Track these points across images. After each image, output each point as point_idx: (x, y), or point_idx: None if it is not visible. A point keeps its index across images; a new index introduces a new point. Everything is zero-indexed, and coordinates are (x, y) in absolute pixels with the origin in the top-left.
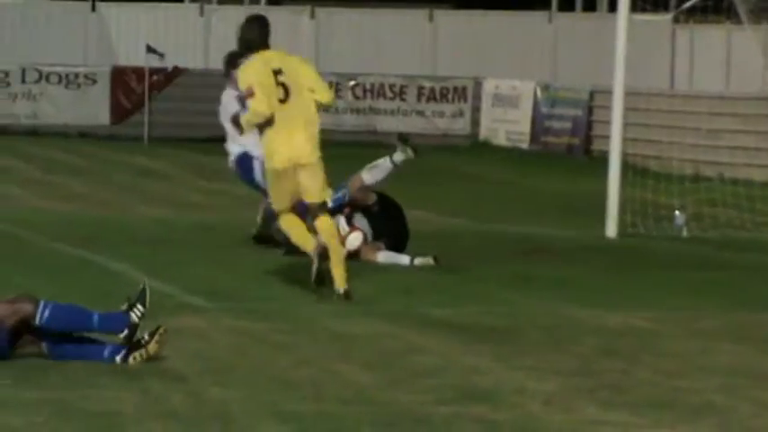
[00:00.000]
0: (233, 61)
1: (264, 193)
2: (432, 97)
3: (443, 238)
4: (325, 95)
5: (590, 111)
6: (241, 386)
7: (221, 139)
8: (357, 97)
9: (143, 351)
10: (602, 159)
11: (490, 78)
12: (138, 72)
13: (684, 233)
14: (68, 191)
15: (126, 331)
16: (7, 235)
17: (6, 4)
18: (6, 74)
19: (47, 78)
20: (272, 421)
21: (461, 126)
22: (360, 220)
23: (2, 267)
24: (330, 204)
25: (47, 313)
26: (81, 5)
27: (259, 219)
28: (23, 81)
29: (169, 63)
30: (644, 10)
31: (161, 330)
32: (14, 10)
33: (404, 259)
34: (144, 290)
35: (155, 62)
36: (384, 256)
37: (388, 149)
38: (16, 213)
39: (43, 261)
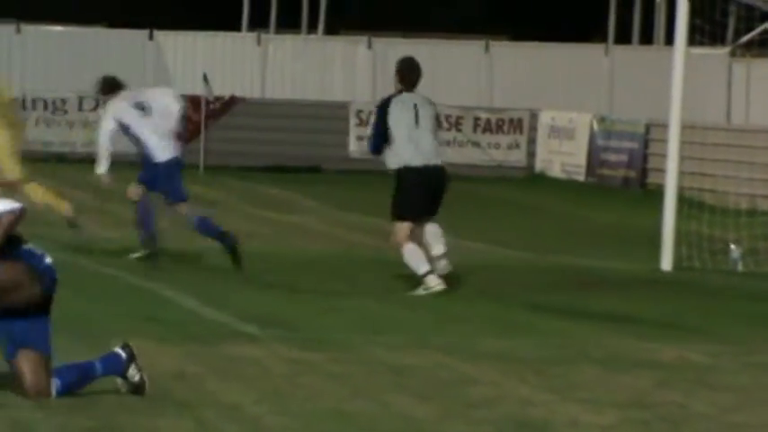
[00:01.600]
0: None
1: None
2: (488, 129)
3: (499, 270)
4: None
5: (646, 144)
6: (296, 416)
7: (276, 168)
8: None
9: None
10: (658, 192)
11: (546, 110)
12: (194, 101)
13: (740, 267)
14: (124, 219)
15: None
16: (63, 262)
17: (65, 31)
18: (64, 102)
19: (104, 107)
20: None
21: (517, 158)
22: None
23: (59, 293)
24: None
25: (59, 385)
26: (138, 34)
27: None
28: (80, 109)
29: (226, 92)
30: (701, 43)
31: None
32: (72, 37)
33: None
34: (130, 352)
35: (211, 91)
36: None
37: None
38: (71, 240)
39: (99, 288)
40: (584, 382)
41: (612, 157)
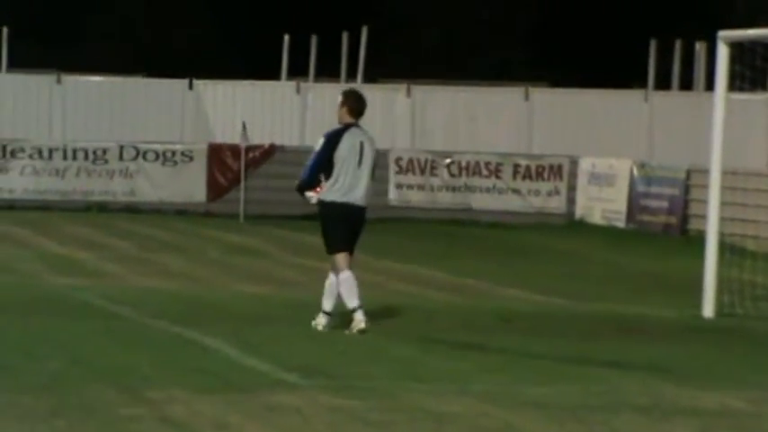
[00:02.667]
0: None
1: None
2: (527, 175)
3: (539, 317)
4: None
5: (687, 190)
6: None
7: (316, 216)
8: (453, 175)
9: None
10: (699, 239)
11: (586, 156)
12: (234, 149)
13: None
14: (165, 268)
15: None
16: (105, 312)
17: (105, 81)
18: (104, 151)
19: (144, 156)
20: None
21: (557, 204)
22: None
23: (101, 344)
24: None
25: None
26: (178, 83)
27: None
28: (121, 158)
29: (265, 140)
30: (741, 89)
31: None
32: (112, 87)
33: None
34: None
35: (251, 139)
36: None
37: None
38: (113, 290)
39: (140, 338)
40: (626, 429)
41: (653, 204)
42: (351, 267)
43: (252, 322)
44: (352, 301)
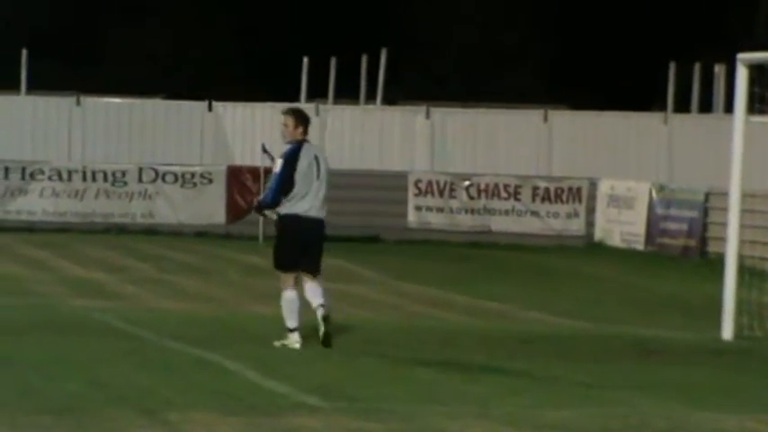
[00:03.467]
0: None
1: None
2: (546, 198)
3: (559, 340)
4: None
5: (706, 212)
6: None
7: (335, 238)
8: (472, 197)
9: None
10: (719, 261)
11: (605, 179)
12: (253, 171)
13: None
14: (184, 289)
15: None
16: (124, 334)
17: (124, 103)
18: (123, 173)
19: (163, 178)
20: None
21: (576, 227)
22: None
23: (120, 365)
24: None
25: None
26: (198, 105)
27: None
28: (140, 180)
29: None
30: (761, 111)
31: None
32: (131, 109)
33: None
34: None
35: (269, 162)
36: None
37: (503, 250)
38: (132, 312)
39: (159, 360)
40: None
41: (672, 226)
42: (308, 285)
43: (271, 344)
44: (290, 322)
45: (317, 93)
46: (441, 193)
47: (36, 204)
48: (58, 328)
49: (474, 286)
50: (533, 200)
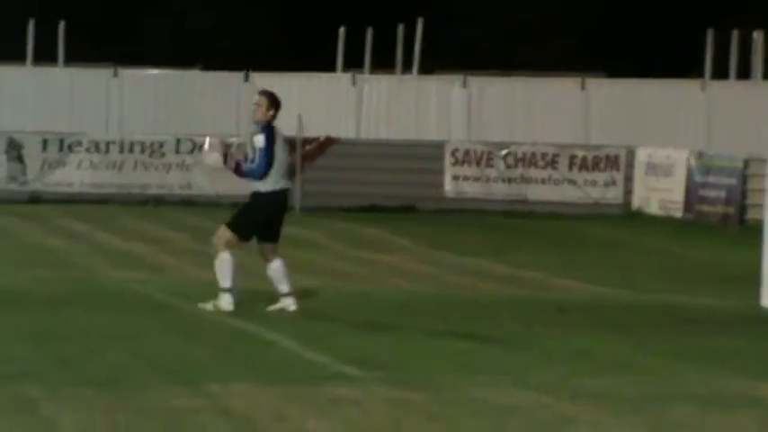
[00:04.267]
0: None
1: None
2: (584, 166)
3: (596, 309)
4: None
5: (744, 179)
6: None
7: (372, 208)
8: (509, 166)
9: None
10: (757, 228)
11: (643, 147)
12: (290, 142)
13: None
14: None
15: None
16: (164, 305)
17: (161, 74)
18: (161, 145)
19: (200, 149)
20: None
21: (614, 195)
22: None
23: (160, 337)
24: None
25: None
26: (234, 76)
27: None
28: (177, 152)
29: (321, 132)
30: None
31: None
32: (168, 80)
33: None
34: None
35: (307, 132)
36: None
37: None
38: (171, 283)
39: (199, 331)
40: (684, 421)
41: (711, 194)
42: (275, 258)
43: (309, 315)
44: (225, 281)
45: (354, 63)
46: (477, 163)
47: (74, 176)
48: (97, 300)
49: (510, 255)
50: (570, 168)
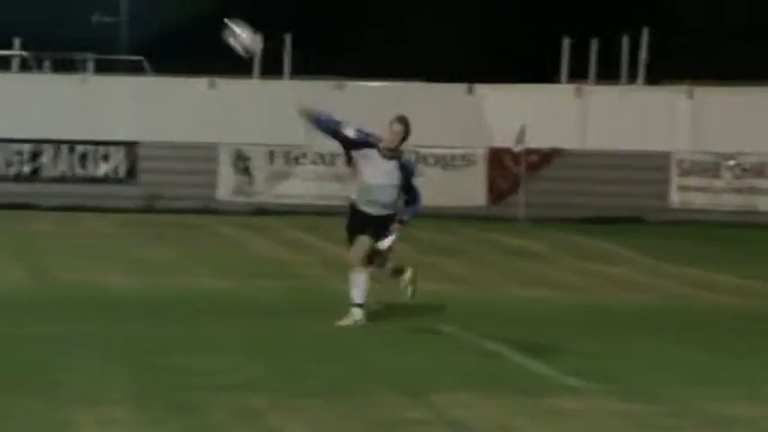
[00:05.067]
0: None
1: None
2: None
3: None
4: None
5: None
6: None
7: (597, 219)
8: (737, 177)
9: None
10: None
11: None
12: (514, 153)
13: None
14: (445, 271)
15: None
16: (383, 315)
17: (383, 87)
18: None
19: (424, 160)
20: None
21: None
22: None
23: (381, 347)
24: None
25: None
26: (457, 87)
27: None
28: None
29: (545, 144)
30: None
31: None
32: (391, 93)
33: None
34: None
35: (531, 143)
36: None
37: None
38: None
39: (421, 341)
40: None
41: None
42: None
43: (532, 326)
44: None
45: (578, 74)
46: (704, 173)
47: (299, 188)
48: (319, 311)
49: (739, 267)
50: None
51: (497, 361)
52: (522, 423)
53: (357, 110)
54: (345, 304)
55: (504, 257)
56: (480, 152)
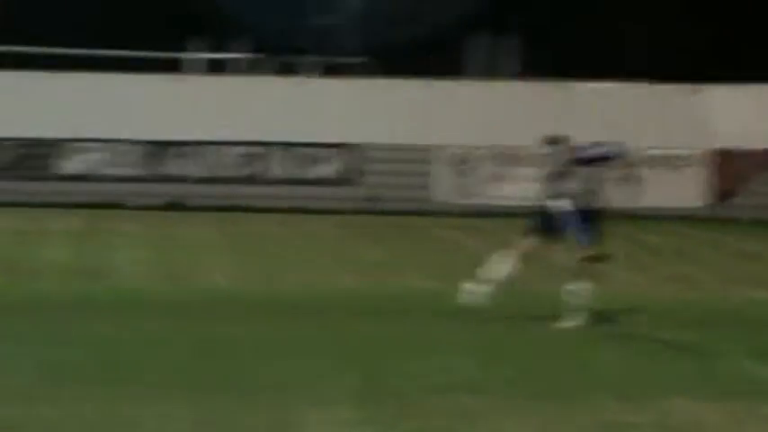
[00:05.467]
0: None
1: None
2: None
3: None
4: None
5: None
6: None
7: None
8: None
9: None
10: None
11: None
12: (738, 154)
13: None
14: (665, 273)
15: None
16: (601, 316)
17: (613, 88)
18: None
19: (646, 161)
20: None
21: None
22: None
23: (597, 350)
24: None
25: None
26: (681, 88)
27: None
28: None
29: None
30: None
31: None
32: (614, 94)
33: None
34: None
35: (755, 143)
36: None
37: None
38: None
39: (642, 344)
40: None
41: None
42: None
43: (758, 328)
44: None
45: None
46: None
47: (518, 190)
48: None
49: None
50: None
51: (722, 364)
52: (738, 429)
53: (585, 113)
54: (557, 303)
55: (727, 259)
56: (702, 152)
